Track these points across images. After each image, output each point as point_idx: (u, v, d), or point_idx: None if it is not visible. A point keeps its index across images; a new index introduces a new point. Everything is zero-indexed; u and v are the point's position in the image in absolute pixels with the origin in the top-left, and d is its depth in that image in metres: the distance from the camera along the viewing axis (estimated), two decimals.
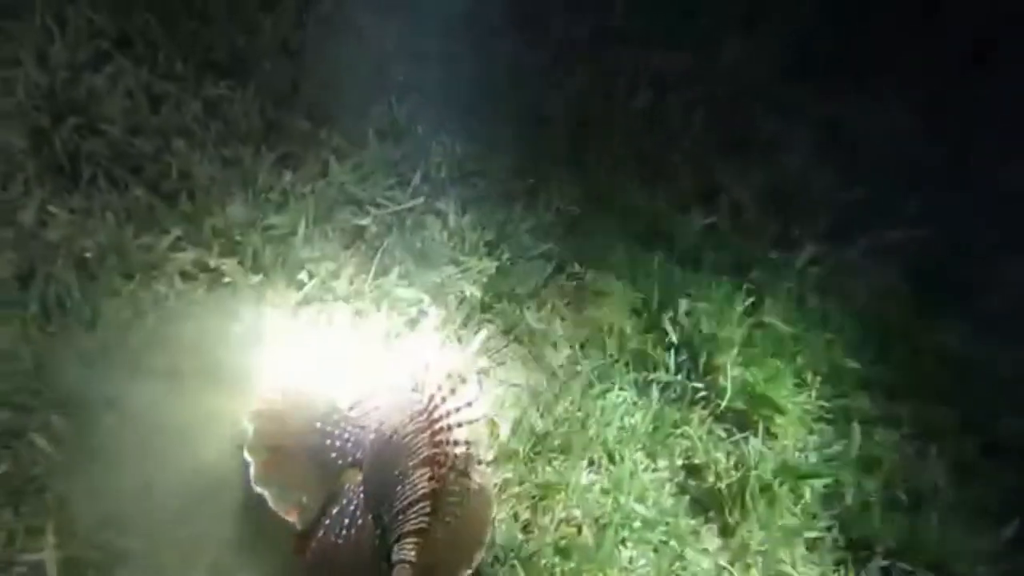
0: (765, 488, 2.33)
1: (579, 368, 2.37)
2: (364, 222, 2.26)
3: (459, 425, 1.87)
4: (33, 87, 2.14)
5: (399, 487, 1.79)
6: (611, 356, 2.42)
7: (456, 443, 1.87)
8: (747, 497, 2.31)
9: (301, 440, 1.86)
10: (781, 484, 2.34)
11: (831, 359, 2.55)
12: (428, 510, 1.76)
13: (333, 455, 1.84)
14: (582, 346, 2.40)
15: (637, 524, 2.17)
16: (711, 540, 2.27)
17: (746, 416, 2.45)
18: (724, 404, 2.41)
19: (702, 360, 2.47)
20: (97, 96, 2.16)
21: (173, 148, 2.15)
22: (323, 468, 1.84)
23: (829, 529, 2.35)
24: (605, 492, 2.22)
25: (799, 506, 2.33)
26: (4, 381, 1.84)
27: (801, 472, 2.38)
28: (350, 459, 1.85)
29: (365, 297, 2.17)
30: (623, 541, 2.15)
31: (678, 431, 2.37)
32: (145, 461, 1.86)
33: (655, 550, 2.14)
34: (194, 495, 1.87)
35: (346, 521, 1.80)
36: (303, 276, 2.12)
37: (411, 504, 1.75)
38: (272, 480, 1.78)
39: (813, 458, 2.39)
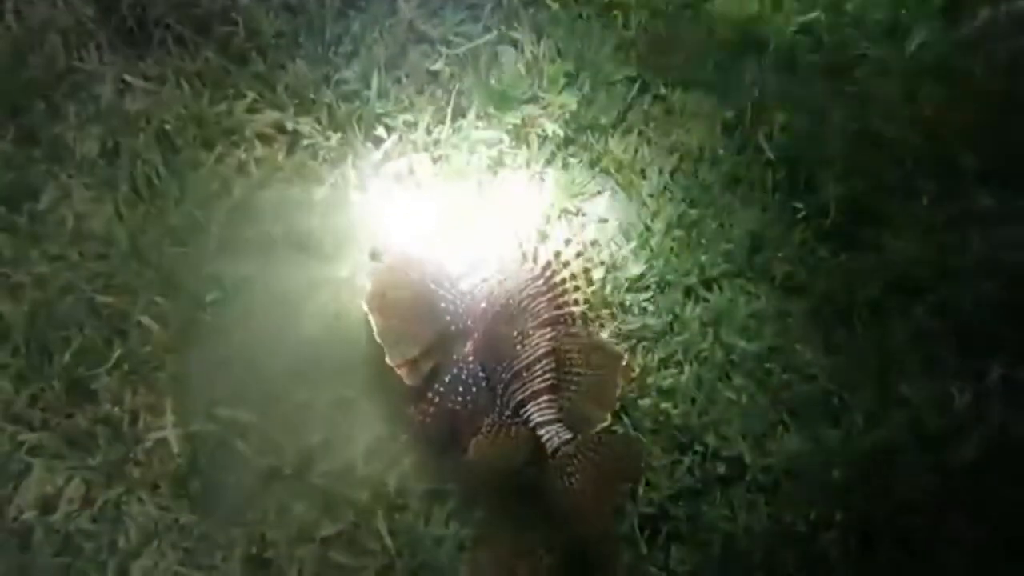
0: (874, 306, 2.24)
1: (670, 196, 2.27)
2: (437, 66, 2.12)
3: (576, 288, 1.85)
4: None
5: (519, 347, 1.79)
6: (703, 181, 2.30)
7: (576, 303, 1.86)
8: (854, 318, 2.24)
9: (416, 299, 1.84)
10: (891, 301, 2.24)
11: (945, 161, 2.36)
12: (553, 366, 1.75)
13: (448, 318, 1.81)
14: (672, 173, 2.28)
15: (737, 357, 2.13)
16: (819, 365, 2.21)
17: (852, 233, 2.31)
18: (827, 222, 2.27)
19: (802, 176, 2.33)
20: None
21: (239, 3, 2.03)
22: (436, 329, 1.83)
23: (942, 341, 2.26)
24: (704, 326, 2.17)
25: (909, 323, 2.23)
26: (104, 264, 1.87)
27: (912, 287, 2.27)
28: (462, 326, 1.83)
29: (445, 144, 2.08)
30: (727, 375, 2.12)
31: (779, 254, 2.27)
32: (252, 334, 1.89)
33: (759, 382, 2.11)
34: (305, 362, 1.91)
35: (460, 388, 1.79)
36: (380, 131, 2.04)
37: (535, 362, 1.75)
38: (389, 333, 1.77)
39: (927, 272, 2.27)
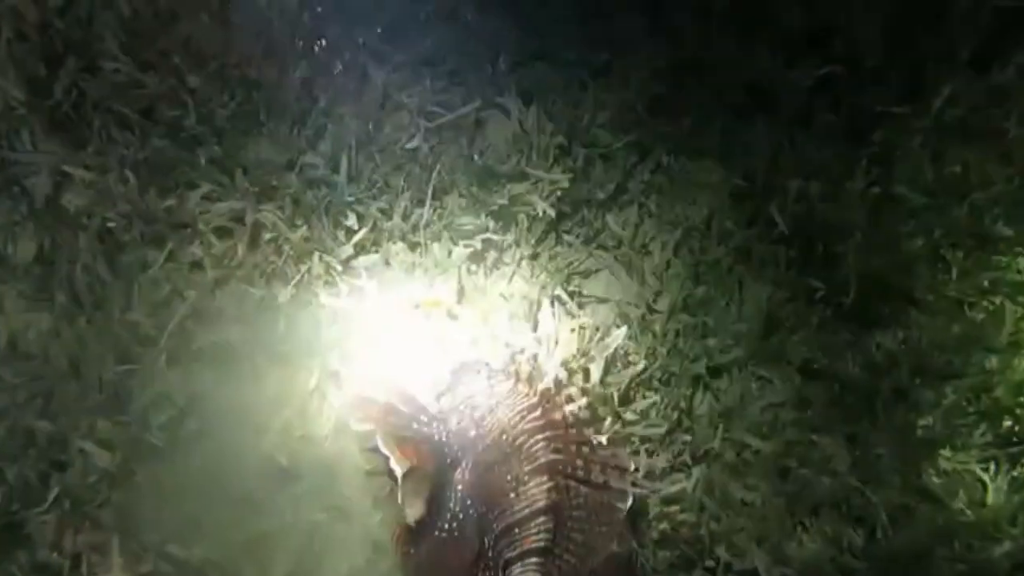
0: (900, 394, 2.01)
1: (674, 273, 2.04)
2: (415, 143, 1.89)
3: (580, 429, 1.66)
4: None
5: (512, 495, 1.58)
6: (711, 257, 2.07)
7: (583, 445, 1.65)
8: (878, 405, 2.01)
9: (413, 430, 1.65)
10: (920, 387, 2.01)
11: (977, 228, 2.12)
12: (550, 525, 1.53)
13: (443, 450, 1.62)
14: (676, 248, 2.05)
15: (750, 456, 1.90)
16: (840, 458, 1.98)
17: (876, 311, 2.07)
18: (848, 300, 2.04)
19: (818, 250, 2.10)
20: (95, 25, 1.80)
21: (187, 82, 1.81)
22: (437, 463, 1.63)
23: (975, 426, 2.03)
24: (714, 421, 1.94)
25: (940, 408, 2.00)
26: (40, 386, 1.65)
27: (942, 372, 2.04)
28: (452, 454, 1.64)
29: (424, 231, 1.85)
30: (739, 475, 1.92)
31: (795, 337, 2.04)
32: (209, 458, 1.68)
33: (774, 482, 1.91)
34: (269, 487, 1.70)
35: (452, 523, 1.59)
36: (352, 221, 1.81)
37: (530, 518, 1.55)
38: (412, 480, 1.57)
39: (956, 356, 2.04)
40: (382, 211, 1.85)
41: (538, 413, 1.61)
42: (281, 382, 1.73)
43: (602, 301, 2.06)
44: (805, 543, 1.95)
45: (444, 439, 1.63)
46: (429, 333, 1.81)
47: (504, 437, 1.59)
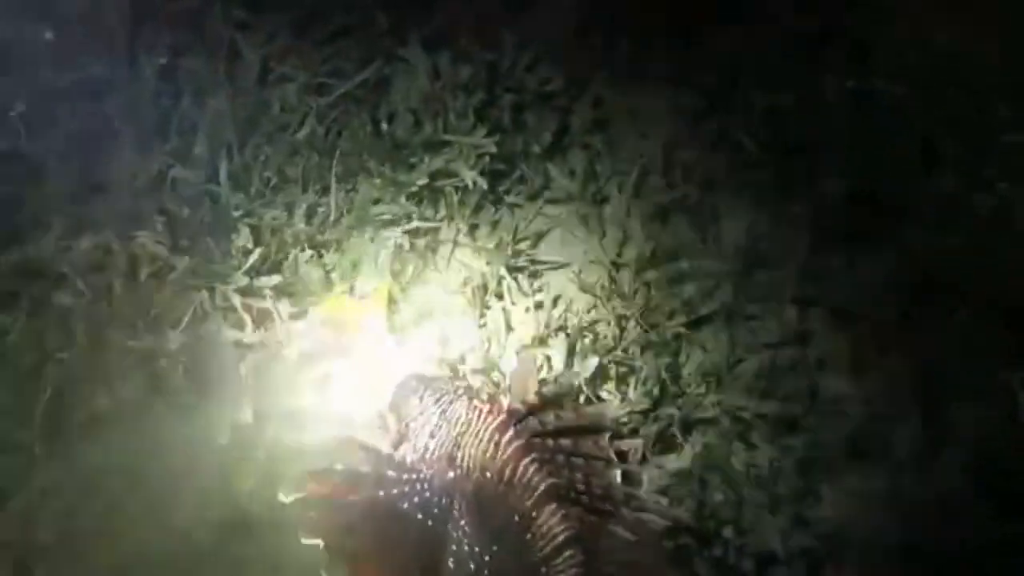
0: (907, 317, 1.74)
1: (638, 218, 1.73)
2: (306, 128, 1.55)
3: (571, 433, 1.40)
4: None
5: (528, 536, 1.32)
6: (676, 194, 1.75)
7: (578, 457, 1.40)
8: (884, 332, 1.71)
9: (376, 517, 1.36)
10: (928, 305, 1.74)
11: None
12: (580, 558, 1.30)
13: (419, 517, 1.35)
14: (635, 191, 1.73)
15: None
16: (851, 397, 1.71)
17: (867, 232, 1.79)
18: (836, 221, 1.74)
19: (796, 170, 1.79)
20: None
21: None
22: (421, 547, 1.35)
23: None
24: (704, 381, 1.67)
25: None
26: None
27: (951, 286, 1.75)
28: (435, 513, 1.36)
29: (332, 231, 1.54)
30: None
31: (782, 270, 1.74)
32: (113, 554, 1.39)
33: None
34: None
35: None
36: (245, 238, 1.49)
37: (553, 555, 1.31)
38: None
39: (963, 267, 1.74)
40: (279, 215, 1.51)
41: (511, 433, 1.36)
42: (189, 446, 1.42)
43: (559, 266, 1.74)
44: (825, 501, 1.67)
45: (423, 494, 1.36)
46: (364, 357, 1.50)
47: (488, 474, 1.34)
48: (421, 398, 1.42)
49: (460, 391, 1.43)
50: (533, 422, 1.39)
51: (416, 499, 1.36)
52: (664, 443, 1.61)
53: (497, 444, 1.37)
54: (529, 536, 1.33)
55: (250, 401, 1.45)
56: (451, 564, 1.32)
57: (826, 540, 1.55)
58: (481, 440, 1.38)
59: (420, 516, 1.36)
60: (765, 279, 1.75)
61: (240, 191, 1.51)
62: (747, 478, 1.63)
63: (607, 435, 1.46)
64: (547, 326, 1.60)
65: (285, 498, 1.31)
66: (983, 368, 1.76)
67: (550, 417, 1.42)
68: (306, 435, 1.40)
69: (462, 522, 1.36)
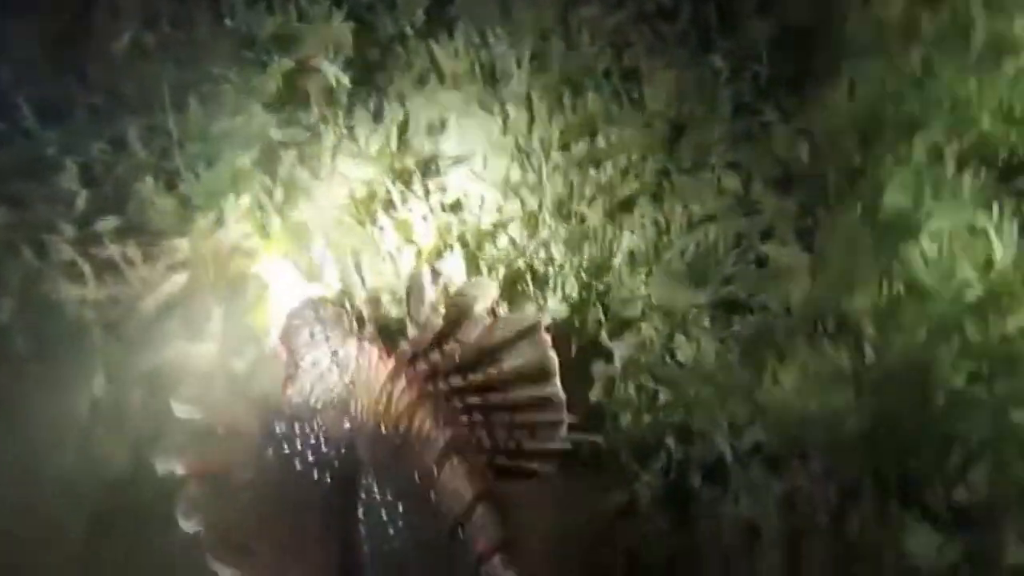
0: (855, 172, 1.52)
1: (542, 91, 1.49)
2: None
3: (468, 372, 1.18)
4: None
5: (432, 495, 1.14)
6: (582, 59, 1.51)
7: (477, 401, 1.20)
8: (830, 191, 1.50)
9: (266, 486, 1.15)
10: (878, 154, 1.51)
11: None
12: (495, 516, 1.14)
13: (316, 476, 1.16)
14: (533, 61, 1.49)
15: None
16: (800, 270, 1.51)
17: (802, 74, 1.54)
18: (765, 70, 1.50)
19: (714, 15, 1.53)
20: None
21: None
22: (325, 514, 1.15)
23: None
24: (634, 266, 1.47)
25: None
26: None
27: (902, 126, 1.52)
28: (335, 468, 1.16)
29: (178, 156, 1.30)
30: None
31: (712, 133, 1.51)
32: None
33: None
34: None
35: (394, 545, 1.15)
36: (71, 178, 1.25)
37: (466, 514, 1.14)
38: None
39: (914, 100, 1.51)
40: (108, 147, 1.26)
41: (403, 383, 1.17)
42: (46, 420, 1.22)
43: (458, 161, 1.50)
44: (781, 384, 1.48)
45: (318, 449, 1.17)
46: (241, 297, 1.28)
47: (384, 428, 1.18)
48: (312, 333, 1.23)
49: (352, 329, 1.21)
50: (427, 364, 1.18)
51: (311, 456, 1.17)
52: (591, 350, 1.40)
53: (390, 396, 1.18)
54: (434, 495, 1.14)
55: (103, 366, 1.23)
56: (363, 530, 1.14)
57: (783, 431, 1.34)
58: (373, 390, 1.19)
59: (318, 475, 1.16)
60: (693, 148, 1.51)
61: (56, 123, 1.24)
62: (690, 375, 1.42)
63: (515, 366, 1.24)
64: (447, 234, 1.37)
65: (162, 468, 1.12)
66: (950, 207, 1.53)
67: (450, 350, 1.20)
68: (178, 397, 1.17)
69: (367, 479, 1.16)
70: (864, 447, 1.38)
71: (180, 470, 1.10)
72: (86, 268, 1.28)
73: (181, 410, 1.14)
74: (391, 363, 1.18)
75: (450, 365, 1.19)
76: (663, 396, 1.41)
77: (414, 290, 1.30)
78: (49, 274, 1.28)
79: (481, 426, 1.16)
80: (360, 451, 1.17)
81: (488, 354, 1.22)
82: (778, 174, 1.51)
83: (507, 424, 1.17)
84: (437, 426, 1.16)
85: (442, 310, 1.28)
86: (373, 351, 1.19)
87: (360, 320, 1.25)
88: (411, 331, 1.19)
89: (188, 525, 1.07)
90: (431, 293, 1.27)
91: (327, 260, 1.37)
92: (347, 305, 1.29)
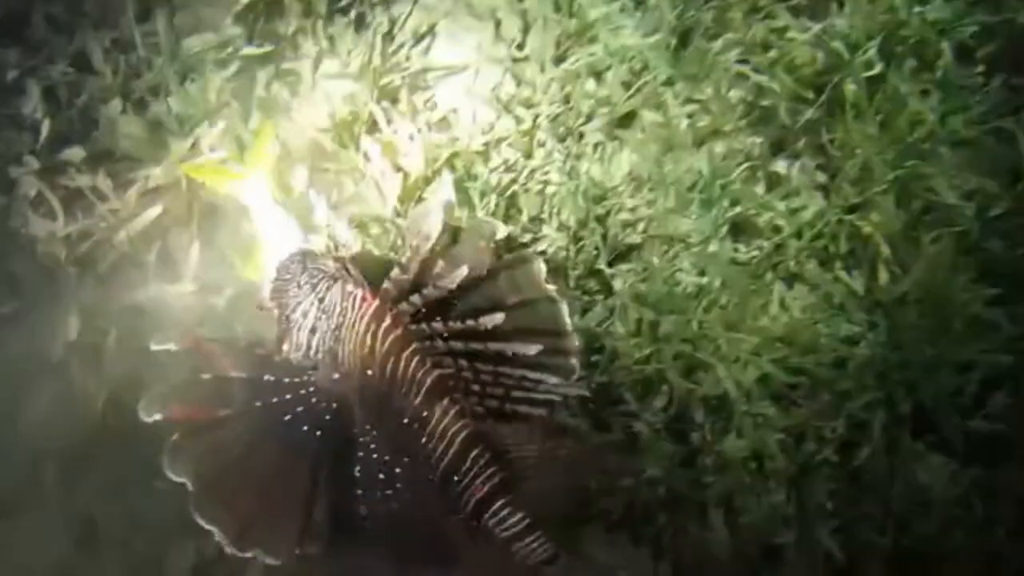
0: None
1: None
2: None
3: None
4: None
5: (425, 440, 1.10)
6: None
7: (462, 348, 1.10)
8: (843, 92, 1.40)
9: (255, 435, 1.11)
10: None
11: None
12: (488, 457, 1.09)
13: (306, 429, 1.12)
14: None
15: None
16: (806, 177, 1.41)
17: None
18: None
19: None
20: None
21: None
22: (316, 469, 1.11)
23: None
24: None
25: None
26: None
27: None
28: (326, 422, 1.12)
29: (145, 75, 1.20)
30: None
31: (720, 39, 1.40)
32: None
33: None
34: None
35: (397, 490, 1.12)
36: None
37: (459, 458, 1.09)
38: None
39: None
40: (75, 63, 1.18)
41: (388, 322, 1.10)
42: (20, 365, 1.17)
43: (448, 72, 1.40)
44: (789, 310, 1.40)
45: (308, 401, 1.13)
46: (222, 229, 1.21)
47: (370, 372, 1.11)
48: (299, 284, 1.16)
49: (335, 272, 1.14)
50: (411, 305, 1.10)
51: (301, 408, 1.12)
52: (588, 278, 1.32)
53: (375, 336, 1.11)
54: (425, 439, 1.09)
55: (76, 306, 1.17)
56: (360, 485, 1.10)
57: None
58: (358, 332, 1.12)
59: (307, 428, 1.11)
60: (702, 53, 1.39)
61: (13, 44, 1.15)
62: (688, 296, 1.34)
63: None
64: (436, 155, 1.28)
65: (147, 417, 1.06)
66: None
67: (436, 292, 1.13)
68: (159, 339, 1.11)
69: (363, 437, 1.12)
70: (876, 376, 1.30)
71: (165, 418, 1.04)
72: (54, 202, 1.20)
73: (161, 350, 1.08)
74: (375, 304, 1.10)
75: (435, 308, 1.11)
76: (664, 327, 1.33)
77: (418, 223, 1.22)
78: (16, 209, 1.19)
79: (468, 369, 1.09)
80: (351, 405, 1.12)
81: (482, 296, 1.15)
82: (791, 85, 1.39)
83: (494, 373, 1.11)
84: (424, 367, 1.09)
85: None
86: (357, 292, 1.12)
87: (343, 262, 1.16)
88: (395, 272, 1.10)
89: (175, 476, 1.02)
90: (437, 225, 1.17)
91: (313, 196, 1.28)
92: (331, 246, 1.20)
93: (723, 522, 1.27)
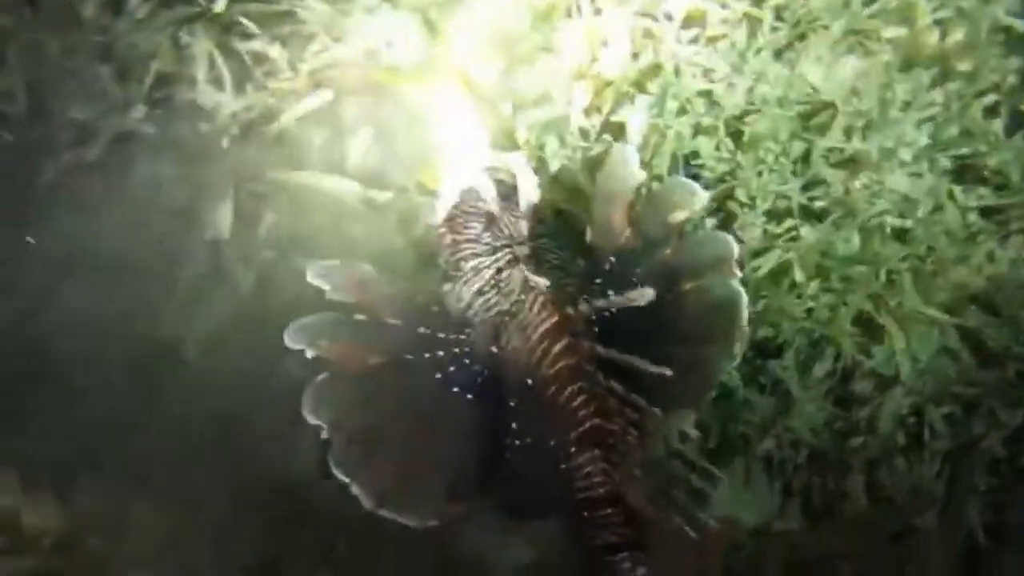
0: None
1: None
2: None
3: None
4: None
5: (564, 468, 1.00)
6: None
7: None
8: None
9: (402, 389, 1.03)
10: None
11: None
12: (621, 518, 0.97)
13: (456, 390, 1.03)
14: None
15: None
16: None
17: None
18: None
19: None
20: None
21: None
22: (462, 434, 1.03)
23: None
24: None
25: None
26: None
27: None
28: (480, 388, 1.03)
29: None
30: None
31: None
32: None
33: None
34: None
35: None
36: None
37: (591, 505, 0.98)
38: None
39: None
40: None
41: (565, 344, 1.00)
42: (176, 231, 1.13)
43: None
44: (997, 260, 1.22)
45: (462, 363, 1.04)
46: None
47: (530, 382, 1.01)
48: (479, 235, 1.05)
49: (518, 252, 1.04)
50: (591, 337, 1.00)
51: (454, 368, 1.02)
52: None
53: (546, 352, 1.00)
54: (565, 468, 0.99)
55: (231, 195, 1.10)
56: (508, 458, 1.01)
57: None
58: (529, 338, 1.01)
59: (458, 390, 1.02)
60: None
61: None
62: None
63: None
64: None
65: (293, 344, 0.99)
66: None
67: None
68: (317, 271, 1.04)
69: (512, 406, 1.02)
70: None
71: (311, 352, 0.97)
72: (224, 71, 1.11)
73: (317, 279, 1.02)
74: (555, 318, 1.00)
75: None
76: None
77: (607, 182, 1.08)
78: (186, 73, 1.11)
79: (621, 424, 0.99)
80: (505, 380, 1.02)
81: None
82: None
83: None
84: (586, 407, 0.99)
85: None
86: (539, 297, 1.01)
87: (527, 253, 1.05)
88: (583, 305, 1.00)
89: (313, 418, 0.96)
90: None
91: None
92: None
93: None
